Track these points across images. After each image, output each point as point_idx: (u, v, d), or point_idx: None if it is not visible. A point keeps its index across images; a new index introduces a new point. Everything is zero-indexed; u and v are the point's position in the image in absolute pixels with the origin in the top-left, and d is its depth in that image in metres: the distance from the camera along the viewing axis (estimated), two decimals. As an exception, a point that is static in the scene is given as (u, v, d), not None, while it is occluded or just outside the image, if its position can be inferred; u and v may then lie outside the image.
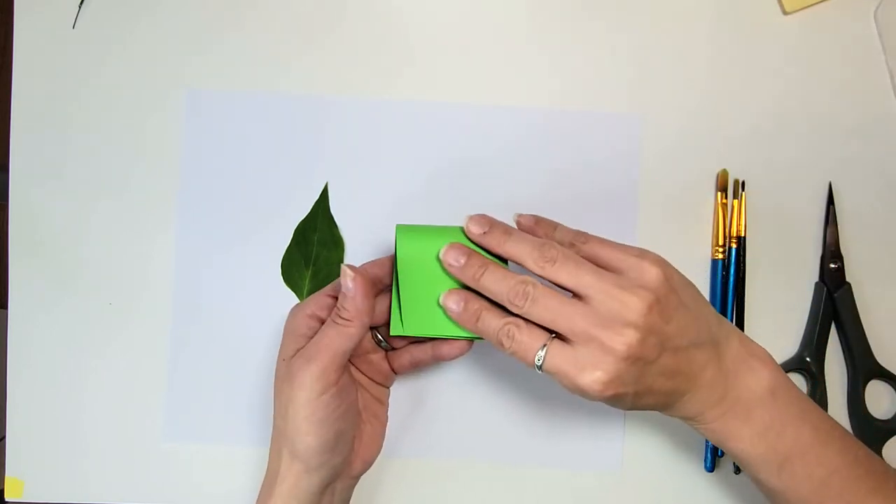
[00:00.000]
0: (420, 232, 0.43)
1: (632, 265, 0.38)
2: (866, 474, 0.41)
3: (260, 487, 0.43)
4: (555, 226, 0.43)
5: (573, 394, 0.39)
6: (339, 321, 0.41)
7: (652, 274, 0.38)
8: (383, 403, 0.47)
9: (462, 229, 0.42)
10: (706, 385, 0.40)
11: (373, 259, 0.46)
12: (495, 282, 0.40)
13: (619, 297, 0.37)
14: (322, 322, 0.42)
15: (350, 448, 0.43)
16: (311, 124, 0.52)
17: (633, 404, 0.39)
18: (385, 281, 0.45)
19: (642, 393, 0.38)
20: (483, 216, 0.42)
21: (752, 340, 0.42)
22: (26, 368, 0.52)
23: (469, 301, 0.41)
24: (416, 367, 0.47)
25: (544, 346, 0.38)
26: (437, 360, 0.46)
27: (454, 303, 0.41)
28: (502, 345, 0.39)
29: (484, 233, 0.41)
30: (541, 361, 0.38)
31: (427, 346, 0.46)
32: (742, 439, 0.40)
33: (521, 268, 0.40)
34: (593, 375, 0.37)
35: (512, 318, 0.39)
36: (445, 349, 0.45)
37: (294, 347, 0.42)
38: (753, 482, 0.43)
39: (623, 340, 0.37)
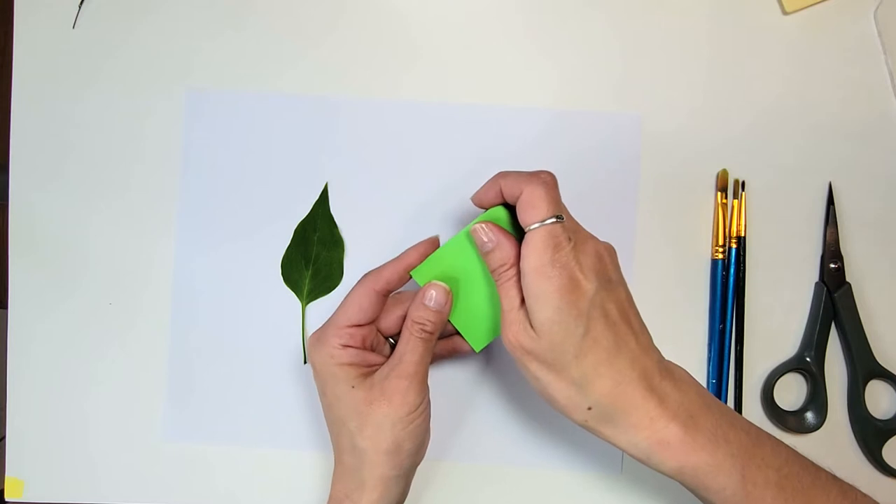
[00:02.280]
0: (431, 262, 0.44)
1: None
2: (804, 470, 0.40)
3: (333, 496, 0.44)
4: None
5: (541, 284, 0.38)
6: (424, 335, 0.43)
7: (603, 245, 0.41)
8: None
9: (459, 238, 0.44)
10: (649, 372, 0.39)
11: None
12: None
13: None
14: (353, 347, 0.44)
15: (427, 439, 0.46)
16: (311, 124, 0.52)
17: (587, 328, 0.38)
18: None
19: (599, 302, 0.39)
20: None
21: None
22: (26, 368, 0.52)
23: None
24: (434, 361, 0.48)
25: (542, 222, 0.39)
26: (453, 355, 0.48)
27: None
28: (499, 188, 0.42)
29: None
30: (537, 225, 0.39)
31: (447, 342, 0.48)
32: (699, 450, 0.39)
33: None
34: (568, 257, 0.38)
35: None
36: (464, 344, 0.46)
37: (353, 373, 0.43)
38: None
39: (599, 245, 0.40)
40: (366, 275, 0.45)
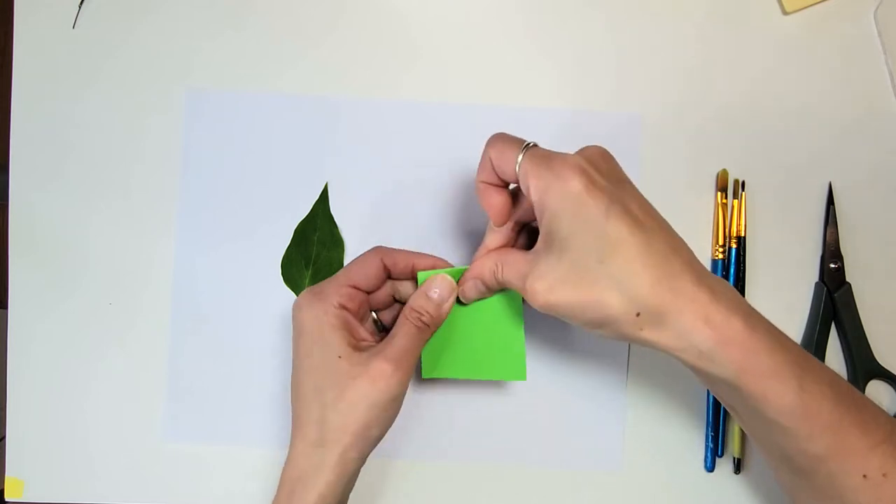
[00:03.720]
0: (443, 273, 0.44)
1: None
2: (850, 389, 0.38)
3: (283, 483, 0.42)
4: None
5: (542, 191, 0.37)
6: (420, 325, 0.42)
7: (596, 147, 0.40)
8: None
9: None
10: (696, 269, 0.37)
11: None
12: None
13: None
14: (349, 311, 0.42)
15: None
16: (311, 124, 0.52)
17: (607, 226, 0.36)
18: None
19: (617, 202, 0.36)
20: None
21: None
22: (26, 368, 0.52)
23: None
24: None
25: (525, 147, 0.39)
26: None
27: None
28: (489, 145, 0.40)
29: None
30: (521, 158, 0.38)
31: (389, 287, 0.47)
32: (761, 350, 0.36)
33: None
34: (568, 158, 0.37)
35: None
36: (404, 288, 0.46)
37: (343, 341, 0.41)
38: (770, 435, 0.38)
39: (593, 149, 0.39)
40: (377, 246, 0.45)
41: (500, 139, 0.40)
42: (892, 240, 0.52)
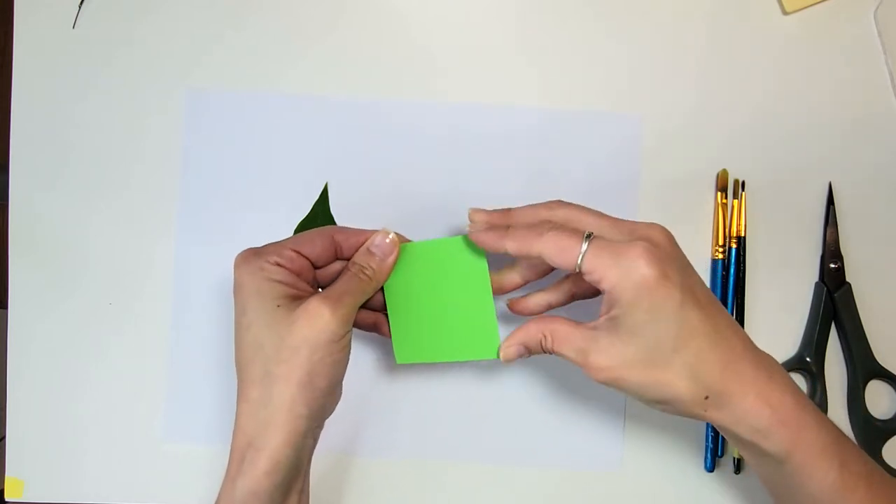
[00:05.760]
0: (413, 246, 0.44)
1: (632, 225, 0.40)
2: (876, 466, 0.40)
3: (233, 450, 0.40)
4: (508, 210, 0.44)
5: (615, 288, 0.37)
6: (363, 276, 0.42)
7: (658, 228, 0.40)
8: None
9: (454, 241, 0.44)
10: (754, 352, 0.39)
11: None
12: (527, 208, 0.42)
13: (637, 227, 0.40)
14: (287, 271, 0.41)
15: (339, 391, 0.43)
16: (311, 124, 0.52)
17: (682, 319, 0.37)
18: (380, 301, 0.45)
19: (688, 293, 0.37)
20: (480, 211, 0.43)
21: None
22: (26, 368, 0.52)
23: (494, 218, 0.42)
24: (358, 326, 0.47)
25: (587, 238, 0.38)
26: (374, 331, 0.47)
27: (481, 215, 0.43)
28: (540, 241, 0.39)
29: (489, 216, 0.43)
30: (585, 248, 0.38)
31: (371, 315, 0.46)
32: (810, 427, 0.38)
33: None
34: (640, 245, 0.37)
35: (545, 221, 0.40)
36: (385, 325, 0.46)
37: (281, 292, 0.40)
38: (801, 493, 0.40)
39: (662, 228, 0.39)
40: (332, 226, 0.45)
41: (554, 238, 0.39)
42: (892, 240, 0.52)
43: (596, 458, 0.52)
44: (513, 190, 0.52)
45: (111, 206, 0.52)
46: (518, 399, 0.52)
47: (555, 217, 0.41)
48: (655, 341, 0.37)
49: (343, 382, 0.43)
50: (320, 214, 0.52)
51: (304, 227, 0.52)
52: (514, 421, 0.52)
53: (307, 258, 0.42)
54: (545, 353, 0.41)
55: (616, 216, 0.41)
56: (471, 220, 0.43)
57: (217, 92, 0.53)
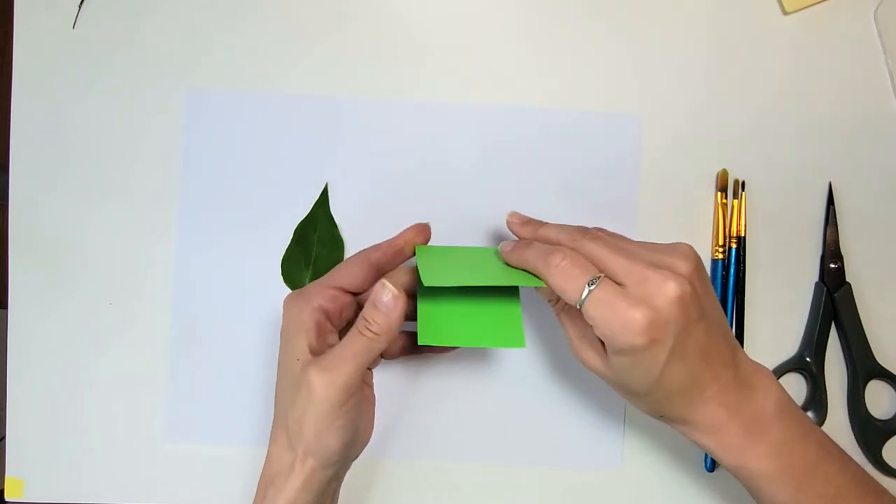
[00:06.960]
0: (439, 251, 0.45)
1: (663, 247, 0.41)
2: (865, 492, 0.41)
3: (260, 482, 0.42)
4: (542, 224, 0.45)
5: (606, 338, 0.39)
6: (368, 334, 0.40)
7: (687, 249, 0.40)
8: (370, 385, 0.47)
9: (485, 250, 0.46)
10: (724, 387, 0.40)
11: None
12: (555, 228, 0.43)
13: (666, 256, 0.39)
14: (327, 314, 0.43)
15: (362, 438, 0.44)
16: (311, 124, 0.52)
17: (661, 374, 0.39)
18: (412, 289, 0.45)
19: (676, 354, 0.38)
20: (518, 214, 0.46)
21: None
22: (26, 368, 0.52)
23: (523, 231, 0.45)
24: (405, 356, 0.48)
25: (593, 281, 0.38)
26: (421, 353, 0.48)
27: (515, 218, 0.46)
28: (549, 267, 0.40)
29: (522, 223, 0.45)
30: (586, 294, 0.38)
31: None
32: (759, 457, 0.40)
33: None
34: (639, 311, 0.37)
35: (564, 248, 0.41)
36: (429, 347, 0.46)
37: (305, 344, 0.41)
38: None
39: (675, 285, 0.38)
40: (363, 249, 0.45)
41: (561, 273, 0.39)
42: (892, 240, 0.52)
43: (596, 458, 0.52)
44: (513, 190, 0.52)
45: (111, 207, 0.52)
46: (518, 399, 0.52)
47: (582, 250, 0.40)
48: (630, 382, 0.40)
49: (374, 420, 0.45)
50: (320, 215, 0.52)
51: (303, 227, 0.52)
52: (515, 421, 0.52)
53: (350, 292, 0.44)
54: (551, 303, 0.44)
55: (650, 241, 0.42)
56: (507, 222, 0.46)
57: (217, 92, 0.53)
